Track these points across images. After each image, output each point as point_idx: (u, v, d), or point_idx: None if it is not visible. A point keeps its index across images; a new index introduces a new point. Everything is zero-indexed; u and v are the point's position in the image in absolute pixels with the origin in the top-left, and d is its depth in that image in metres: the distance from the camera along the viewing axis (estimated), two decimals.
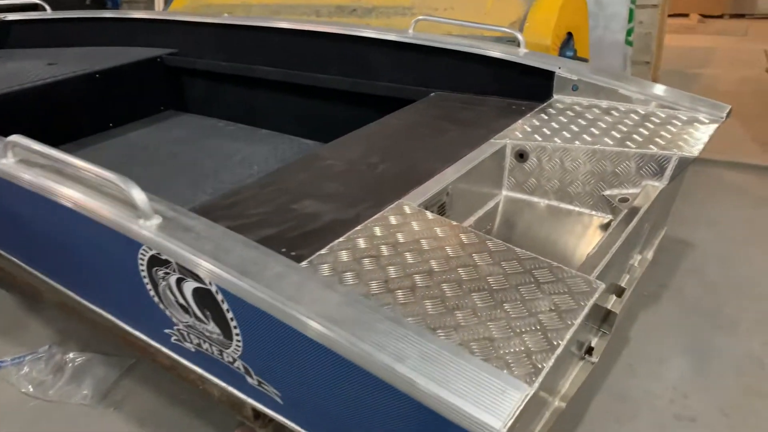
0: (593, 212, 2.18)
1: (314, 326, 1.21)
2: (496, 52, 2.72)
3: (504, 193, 2.29)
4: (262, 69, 3.51)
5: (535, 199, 2.26)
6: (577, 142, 2.15)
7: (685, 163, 2.02)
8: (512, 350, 1.16)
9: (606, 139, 2.16)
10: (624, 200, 2.11)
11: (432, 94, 2.91)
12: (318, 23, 3.30)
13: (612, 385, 2.50)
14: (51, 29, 4.32)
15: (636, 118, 2.34)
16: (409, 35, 2.98)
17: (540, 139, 2.20)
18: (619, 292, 2.01)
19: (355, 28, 3.14)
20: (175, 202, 1.61)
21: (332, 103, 3.36)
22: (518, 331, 1.22)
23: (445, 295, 1.33)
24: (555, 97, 2.60)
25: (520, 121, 2.35)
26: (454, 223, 1.66)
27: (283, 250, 1.57)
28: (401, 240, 1.56)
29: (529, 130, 2.27)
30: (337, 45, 3.20)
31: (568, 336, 1.20)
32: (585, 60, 3.92)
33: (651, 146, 2.08)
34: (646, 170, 2.07)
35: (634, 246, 2.07)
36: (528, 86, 2.68)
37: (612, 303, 1.97)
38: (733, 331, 2.78)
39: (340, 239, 1.58)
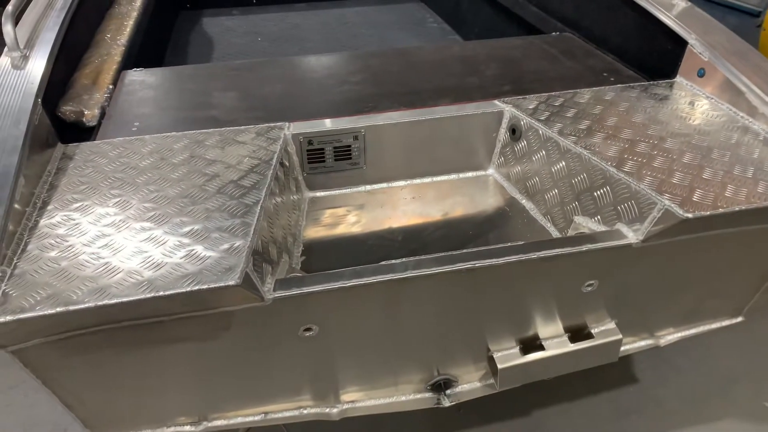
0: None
1: None
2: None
3: (491, 171, 1.80)
4: None
5: (515, 194, 1.72)
6: (571, 138, 1.52)
7: (672, 221, 1.27)
8: None
9: (613, 147, 1.47)
10: None
11: (555, 34, 2.31)
12: None
13: None
14: None
15: (720, 138, 1.50)
16: None
17: (542, 118, 1.62)
18: (528, 347, 1.50)
19: None
20: None
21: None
22: None
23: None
24: (677, 79, 1.80)
25: (571, 92, 1.75)
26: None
27: (136, 125, 1.65)
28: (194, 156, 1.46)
29: (556, 105, 1.68)
30: None
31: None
32: None
33: (649, 179, 1.35)
34: (623, 209, 1.38)
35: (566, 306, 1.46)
36: (654, 54, 1.91)
37: (503, 354, 1.50)
38: None
39: (162, 134, 1.56)
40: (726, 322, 1.68)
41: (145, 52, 2.41)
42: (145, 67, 2.06)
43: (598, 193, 1.44)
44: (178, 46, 3.23)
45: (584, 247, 1.30)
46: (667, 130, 1.54)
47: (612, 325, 1.54)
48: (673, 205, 1.27)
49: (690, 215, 1.24)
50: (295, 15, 3.74)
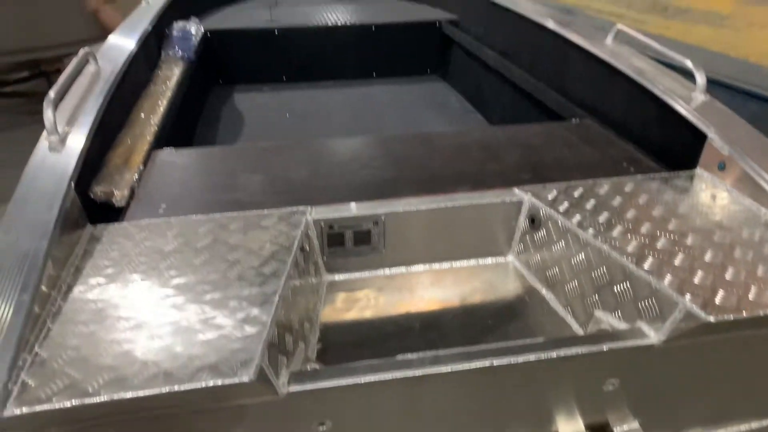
0: (581, 332, 1.55)
1: None
2: (659, 88, 2.00)
3: (510, 258, 1.80)
4: (492, 56, 3.35)
5: (536, 283, 1.71)
6: (591, 231, 1.53)
7: (694, 323, 1.25)
8: None
9: (634, 242, 1.47)
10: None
11: (574, 120, 2.35)
12: (539, 15, 2.92)
13: None
14: None
15: (743, 236, 1.49)
16: (606, 45, 2.42)
17: (562, 209, 1.63)
18: None
19: (563, 27, 2.68)
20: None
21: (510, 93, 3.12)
22: None
23: None
24: (697, 170, 1.81)
25: (590, 182, 1.76)
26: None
27: (163, 206, 1.69)
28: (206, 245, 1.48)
29: (575, 195, 1.69)
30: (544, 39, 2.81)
31: None
32: None
33: (670, 277, 1.34)
34: (643, 307, 1.36)
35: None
36: (673, 144, 1.93)
37: None
38: None
39: (180, 217, 1.59)
40: (755, 424, 1.61)
41: (176, 128, 2.51)
42: (176, 144, 2.13)
43: (618, 288, 1.43)
44: (210, 121, 3.35)
45: (605, 346, 1.28)
46: (688, 225, 1.53)
47: (635, 424, 1.48)
48: (694, 306, 1.25)
49: (712, 319, 1.22)
50: (323, 92, 3.87)
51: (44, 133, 1.67)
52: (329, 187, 1.82)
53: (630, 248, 1.45)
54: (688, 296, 1.28)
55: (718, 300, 1.27)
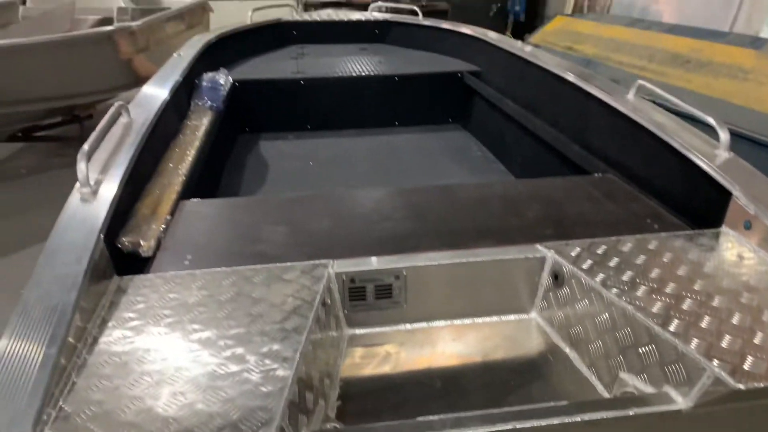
0: (605, 393, 1.52)
1: None
2: (683, 144, 2.01)
3: (533, 315, 1.78)
4: (513, 107, 3.39)
5: (559, 341, 1.69)
6: (614, 290, 1.51)
7: (723, 390, 1.22)
8: None
9: (658, 303, 1.45)
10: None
11: (597, 175, 2.35)
12: (560, 68, 2.96)
13: None
14: (412, 32, 5.01)
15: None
16: (628, 100, 2.44)
17: (585, 267, 1.62)
18: None
19: (584, 81, 2.71)
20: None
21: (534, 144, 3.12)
22: None
23: None
24: (723, 228, 1.79)
25: (614, 239, 1.75)
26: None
27: (189, 257, 1.72)
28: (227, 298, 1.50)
29: (599, 253, 1.68)
30: (564, 92, 2.85)
31: None
32: None
33: (697, 341, 1.31)
34: (670, 371, 1.33)
35: None
36: (697, 202, 1.92)
37: None
38: None
39: (205, 270, 1.61)
40: None
41: (203, 177, 2.56)
42: (202, 193, 2.17)
43: (644, 350, 1.40)
44: (236, 169, 3.42)
45: (631, 411, 1.25)
46: (714, 286, 1.51)
47: None
48: (723, 373, 1.22)
49: (742, 386, 1.19)
50: (346, 140, 3.94)
51: (77, 185, 1.72)
52: (351, 239, 1.84)
53: (655, 309, 1.43)
54: (715, 362, 1.25)
55: (747, 366, 1.24)
